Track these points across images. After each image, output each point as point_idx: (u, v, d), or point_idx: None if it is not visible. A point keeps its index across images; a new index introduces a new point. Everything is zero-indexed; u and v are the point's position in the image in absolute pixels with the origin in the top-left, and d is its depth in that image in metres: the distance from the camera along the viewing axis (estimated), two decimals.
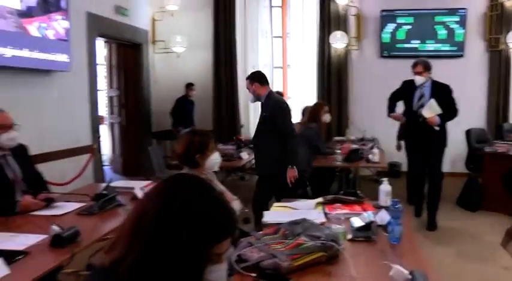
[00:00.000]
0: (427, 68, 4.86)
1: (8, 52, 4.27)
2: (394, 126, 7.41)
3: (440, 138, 4.89)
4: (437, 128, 4.78)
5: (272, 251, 1.87)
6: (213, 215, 1.03)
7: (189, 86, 7.58)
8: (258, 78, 4.45)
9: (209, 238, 1.02)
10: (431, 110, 4.69)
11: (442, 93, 4.82)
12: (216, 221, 1.03)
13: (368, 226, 2.25)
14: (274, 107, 4.21)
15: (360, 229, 2.26)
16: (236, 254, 1.90)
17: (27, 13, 4.52)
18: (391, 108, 5.20)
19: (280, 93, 7.35)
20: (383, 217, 2.40)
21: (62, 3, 5.04)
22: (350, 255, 1.95)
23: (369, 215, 2.33)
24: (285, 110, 4.34)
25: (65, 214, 2.65)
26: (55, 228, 2.07)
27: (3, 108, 2.92)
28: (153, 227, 0.99)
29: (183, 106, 7.49)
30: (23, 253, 1.97)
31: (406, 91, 5.02)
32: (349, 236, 2.24)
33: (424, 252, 2.19)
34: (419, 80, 4.84)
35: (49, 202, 2.76)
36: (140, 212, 1.03)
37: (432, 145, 4.85)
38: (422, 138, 4.86)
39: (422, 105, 4.79)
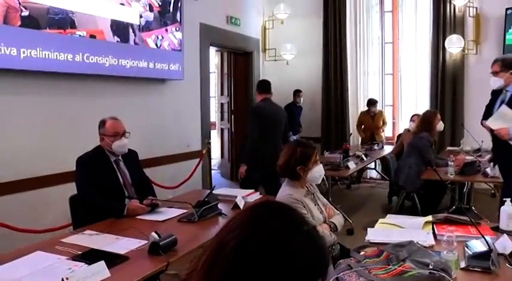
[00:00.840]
0: (507, 66, 3.88)
1: (128, 64, 4.64)
2: None
3: None
4: None
5: (373, 278, 1.76)
6: (301, 255, 0.88)
7: (296, 92, 7.60)
8: (257, 87, 5.16)
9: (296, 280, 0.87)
10: (502, 120, 3.79)
11: None
12: (305, 262, 0.88)
13: (487, 254, 1.96)
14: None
15: (476, 256, 1.99)
16: (334, 278, 1.81)
17: (146, 27, 4.89)
18: (484, 115, 4.23)
19: (372, 102, 7.29)
20: (505, 244, 2.12)
21: (177, 15, 5.36)
22: None
23: (488, 241, 2.05)
24: (252, 114, 4.87)
25: (166, 220, 2.78)
26: (154, 235, 2.17)
27: (119, 116, 3.18)
28: (230, 264, 0.86)
29: (291, 112, 7.48)
30: (124, 257, 2.09)
31: (492, 98, 4.16)
32: (462, 265, 1.98)
33: None
34: (494, 82, 3.98)
35: (153, 207, 2.93)
36: (220, 243, 0.91)
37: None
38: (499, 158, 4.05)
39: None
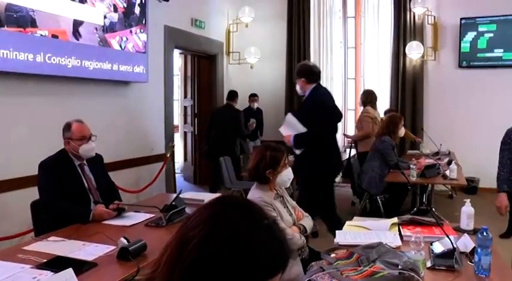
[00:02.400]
0: (298, 74, 4.16)
1: (92, 65, 4.54)
2: (472, 139, 7.06)
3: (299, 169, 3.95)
4: (297, 151, 4.09)
5: (345, 279, 1.78)
6: (263, 249, 0.88)
7: (251, 96, 7.57)
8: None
9: (259, 274, 0.87)
10: (291, 127, 4.04)
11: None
12: (267, 255, 0.88)
13: (451, 253, 2.05)
14: None
15: (441, 256, 2.07)
16: (306, 280, 1.83)
17: (110, 28, 4.80)
18: None
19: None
20: (466, 243, 2.23)
21: (142, 17, 5.28)
22: None
23: (451, 241, 2.12)
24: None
25: (134, 225, 2.72)
26: (123, 240, 2.13)
27: (82, 119, 3.09)
28: (193, 260, 0.87)
29: (247, 117, 7.38)
30: (92, 263, 2.04)
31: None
32: (428, 264, 2.06)
33: None
34: (298, 89, 4.22)
35: (120, 212, 2.86)
36: (182, 240, 0.91)
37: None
38: None
39: None
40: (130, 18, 5.11)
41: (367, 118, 5.98)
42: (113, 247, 2.21)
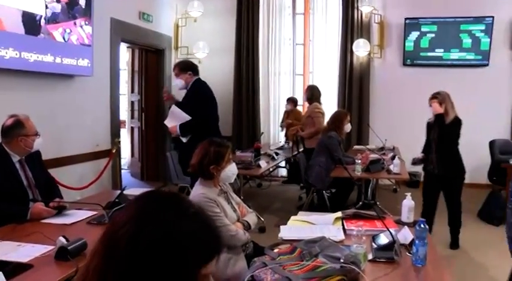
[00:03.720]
0: (183, 68, 4.58)
1: (32, 57, 4.36)
2: (414, 135, 7.30)
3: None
4: (184, 139, 4.42)
5: (287, 274, 1.79)
6: (193, 237, 0.90)
7: None
8: None
9: (192, 262, 0.89)
10: (175, 118, 4.39)
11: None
12: (198, 243, 0.90)
13: (391, 246, 2.13)
14: None
15: (381, 248, 2.15)
16: (249, 275, 1.84)
17: (52, 19, 4.61)
18: None
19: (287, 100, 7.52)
20: (406, 235, 2.31)
21: (86, 8, 5.12)
22: (371, 278, 1.87)
23: (391, 234, 2.20)
24: None
25: (75, 222, 2.64)
26: (62, 239, 2.04)
27: (28, 114, 2.97)
28: (126, 257, 0.86)
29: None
30: (27, 265, 1.94)
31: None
32: (370, 256, 2.12)
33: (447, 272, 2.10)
34: (176, 83, 4.65)
35: (60, 210, 2.77)
36: (112, 240, 0.89)
37: None
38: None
39: None
40: (74, 9, 4.94)
41: (319, 114, 6.08)
42: (51, 247, 2.12)
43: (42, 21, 4.48)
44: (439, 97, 4.49)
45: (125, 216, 0.91)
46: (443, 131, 4.44)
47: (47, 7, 4.53)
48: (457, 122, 4.48)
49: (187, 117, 4.30)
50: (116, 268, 0.86)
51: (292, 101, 7.48)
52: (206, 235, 0.93)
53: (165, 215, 0.90)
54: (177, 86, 4.61)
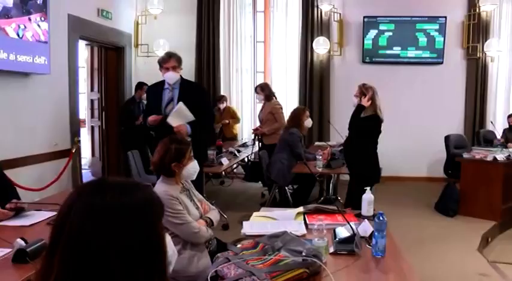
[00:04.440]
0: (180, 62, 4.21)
1: None
2: None
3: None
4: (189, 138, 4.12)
5: (250, 268, 1.81)
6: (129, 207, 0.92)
7: (140, 85, 7.00)
8: None
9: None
10: (180, 117, 3.99)
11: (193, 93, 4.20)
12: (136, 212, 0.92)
13: (351, 239, 2.18)
14: None
15: (342, 241, 2.20)
16: (213, 271, 1.85)
17: (3, 14, 4.46)
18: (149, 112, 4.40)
19: (217, 98, 7.57)
20: (366, 228, 2.36)
21: (42, 4, 4.98)
22: (332, 271, 1.90)
23: (351, 227, 2.27)
24: None
25: (34, 224, 2.57)
26: (19, 241, 1.99)
27: None
28: (67, 244, 0.88)
29: (130, 110, 6.91)
30: None
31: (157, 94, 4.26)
32: (331, 249, 2.17)
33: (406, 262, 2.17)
34: (172, 77, 4.12)
35: (18, 212, 2.69)
36: (55, 234, 0.92)
37: None
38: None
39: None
40: (28, 4, 4.79)
41: (280, 110, 6.13)
42: (8, 250, 2.06)
43: None
44: (361, 88, 4.65)
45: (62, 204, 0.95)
46: (352, 123, 4.59)
47: None
48: (371, 117, 4.53)
49: (191, 117, 3.96)
50: (71, 252, 0.87)
51: (225, 99, 7.51)
52: (139, 205, 0.94)
53: (88, 193, 0.93)
54: (172, 79, 4.11)
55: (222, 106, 7.43)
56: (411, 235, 4.67)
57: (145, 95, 6.25)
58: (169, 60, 4.11)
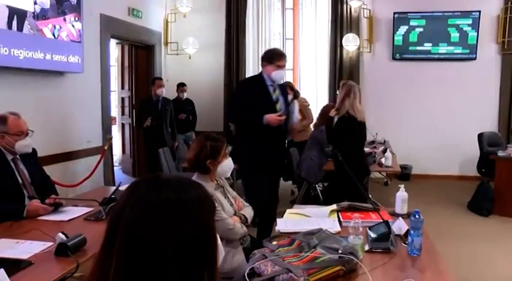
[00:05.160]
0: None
1: (22, 54, 4.33)
2: (405, 128, 7.40)
3: None
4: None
5: (287, 265, 1.80)
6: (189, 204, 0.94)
7: (180, 86, 7.18)
8: None
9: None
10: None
11: None
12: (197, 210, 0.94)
13: (386, 237, 2.17)
14: None
15: (377, 239, 2.19)
16: (249, 268, 1.85)
17: (41, 15, 4.57)
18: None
19: None
20: (400, 226, 2.34)
21: (76, 4, 5.08)
22: (368, 268, 1.90)
23: (386, 225, 2.25)
24: None
25: (72, 219, 2.64)
26: (61, 236, 2.05)
27: (18, 112, 2.93)
28: (121, 237, 0.90)
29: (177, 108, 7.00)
30: (27, 262, 1.94)
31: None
32: (366, 247, 2.15)
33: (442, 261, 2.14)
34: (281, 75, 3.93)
35: (57, 207, 2.76)
36: (112, 223, 0.94)
37: None
38: None
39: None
40: (63, 5, 4.90)
41: (308, 107, 6.12)
42: (50, 244, 2.12)
43: (31, 18, 4.44)
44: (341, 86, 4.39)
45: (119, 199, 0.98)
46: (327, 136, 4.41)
47: (35, 3, 4.49)
48: (342, 118, 4.23)
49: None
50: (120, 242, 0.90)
51: None
52: (198, 203, 0.96)
53: (145, 189, 0.95)
54: (280, 78, 3.93)
55: None
56: (444, 234, 4.57)
57: (161, 90, 6.34)
58: (284, 59, 3.88)
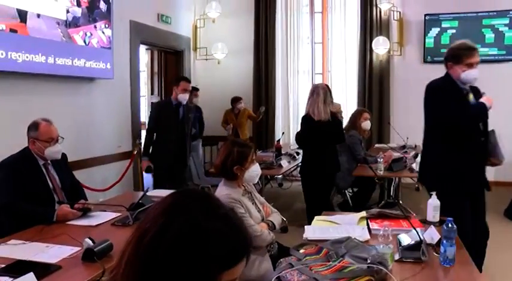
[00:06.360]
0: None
1: (54, 61, 4.41)
2: None
3: None
4: None
5: (314, 275, 1.78)
6: (220, 237, 0.88)
7: (192, 91, 6.21)
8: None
9: (216, 264, 0.86)
10: None
11: None
12: (225, 243, 0.88)
13: (418, 246, 2.10)
14: None
15: (408, 248, 2.12)
16: (275, 277, 1.83)
17: (73, 23, 4.67)
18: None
19: (235, 99, 7.18)
20: (432, 234, 2.27)
21: (106, 12, 5.17)
22: (399, 279, 1.84)
23: (418, 233, 2.17)
24: None
25: (100, 224, 2.66)
26: (88, 241, 2.07)
27: (46, 116, 3.00)
28: (148, 253, 0.86)
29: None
30: (55, 266, 1.97)
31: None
32: (396, 257, 2.09)
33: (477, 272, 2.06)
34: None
35: (85, 212, 2.79)
36: (141, 234, 0.89)
37: None
38: None
39: None
40: (94, 13, 4.99)
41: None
42: (77, 248, 2.15)
43: (63, 26, 4.53)
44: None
45: (156, 211, 0.92)
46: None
47: (68, 11, 4.59)
48: (303, 119, 4.38)
49: None
50: (141, 259, 0.86)
51: (234, 100, 7.15)
52: (234, 236, 0.91)
53: (193, 211, 0.89)
54: (474, 79, 3.15)
55: (239, 107, 7.14)
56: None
57: (184, 95, 4.98)
58: (475, 54, 3.09)
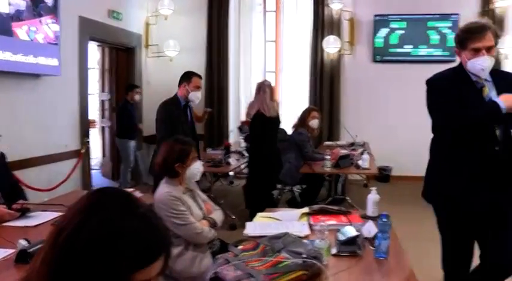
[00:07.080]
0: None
1: None
2: (384, 130, 7.42)
3: None
4: None
5: (249, 270, 1.80)
6: (136, 236, 0.88)
7: (133, 87, 6.64)
8: None
9: (128, 263, 0.86)
10: None
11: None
12: (141, 242, 0.88)
13: (354, 240, 2.16)
14: None
15: (345, 243, 2.17)
16: (212, 272, 1.85)
17: (16, 16, 4.50)
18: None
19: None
20: (370, 229, 2.33)
21: (53, 6, 5.02)
22: (333, 272, 1.89)
23: (355, 228, 2.25)
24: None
25: (39, 224, 2.58)
26: (22, 242, 2.01)
27: None
28: (63, 252, 0.85)
29: (127, 111, 6.61)
30: None
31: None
32: (334, 251, 2.15)
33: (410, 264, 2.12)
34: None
35: (24, 212, 2.70)
36: (56, 233, 0.89)
37: None
38: None
39: None
40: (39, 7, 4.83)
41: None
42: (11, 251, 2.08)
43: (6, 19, 4.37)
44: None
45: (74, 208, 0.92)
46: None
47: (10, 4, 4.42)
48: (254, 117, 4.47)
49: None
50: (54, 257, 0.86)
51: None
52: (152, 235, 0.91)
53: (111, 210, 0.90)
54: (488, 68, 2.42)
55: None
56: (421, 235, 4.57)
57: (195, 93, 4.55)
58: (484, 37, 2.39)
